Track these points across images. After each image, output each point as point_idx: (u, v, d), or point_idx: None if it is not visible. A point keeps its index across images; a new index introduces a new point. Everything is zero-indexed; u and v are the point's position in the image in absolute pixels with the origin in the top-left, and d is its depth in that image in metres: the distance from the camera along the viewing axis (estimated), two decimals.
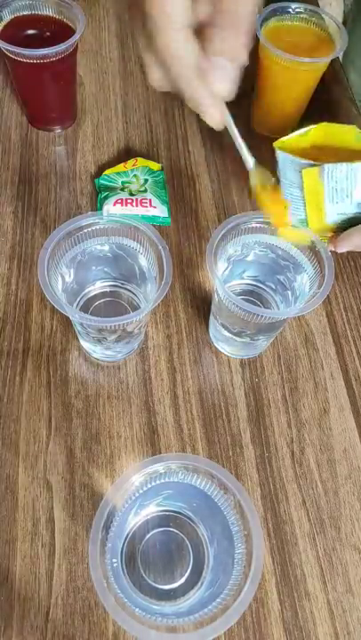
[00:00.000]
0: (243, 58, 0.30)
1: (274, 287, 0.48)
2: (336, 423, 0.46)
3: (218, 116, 0.30)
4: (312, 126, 0.49)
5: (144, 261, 0.43)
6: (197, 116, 0.65)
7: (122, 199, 0.54)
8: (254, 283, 0.49)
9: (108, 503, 0.32)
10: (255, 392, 0.47)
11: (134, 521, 0.39)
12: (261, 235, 0.43)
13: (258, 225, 0.43)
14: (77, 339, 0.48)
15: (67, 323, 0.49)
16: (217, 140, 0.63)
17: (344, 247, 0.46)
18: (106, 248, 0.44)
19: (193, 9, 0.28)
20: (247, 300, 0.46)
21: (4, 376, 0.46)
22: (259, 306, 0.47)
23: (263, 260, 0.45)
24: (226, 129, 0.36)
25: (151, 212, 0.54)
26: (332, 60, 0.56)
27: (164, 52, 0.28)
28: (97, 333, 0.42)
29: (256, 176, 0.39)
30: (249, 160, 0.39)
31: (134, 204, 0.54)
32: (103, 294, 0.48)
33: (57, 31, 0.54)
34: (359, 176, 0.44)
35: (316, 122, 0.51)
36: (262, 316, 0.40)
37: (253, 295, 0.49)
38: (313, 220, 0.48)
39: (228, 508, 0.34)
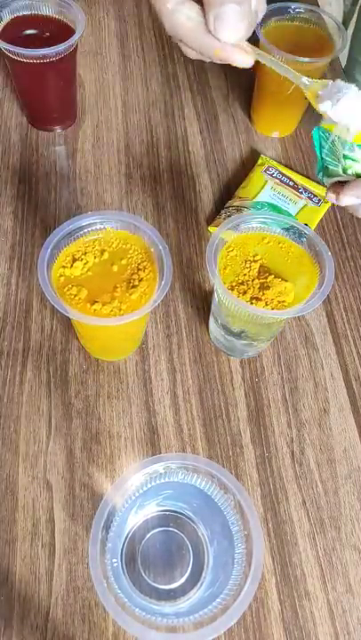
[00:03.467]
0: None
1: None
2: (336, 423, 0.46)
3: (244, 58, 0.31)
4: None
5: None
6: (198, 116, 0.65)
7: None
8: None
9: (107, 503, 0.32)
10: (255, 392, 0.47)
11: (134, 521, 0.39)
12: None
13: (258, 225, 0.43)
14: (77, 339, 0.48)
15: (67, 323, 0.49)
16: (217, 140, 0.63)
17: (347, 199, 0.38)
18: None
19: None
20: None
21: (4, 376, 0.46)
22: None
23: None
24: None
25: None
26: (332, 60, 0.56)
27: (173, 28, 0.29)
28: None
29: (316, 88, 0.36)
30: (303, 79, 0.36)
31: None
32: None
33: (57, 31, 0.54)
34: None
35: (316, 122, 0.51)
36: (262, 315, 0.40)
37: None
38: None
39: (228, 507, 0.34)
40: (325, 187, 0.39)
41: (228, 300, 0.40)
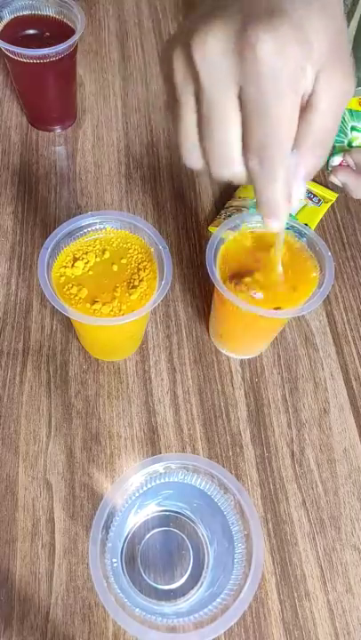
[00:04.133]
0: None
1: None
2: (336, 423, 0.46)
3: (284, 223, 0.30)
4: None
5: None
6: None
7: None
8: None
9: (107, 503, 0.32)
10: (255, 392, 0.47)
11: (134, 521, 0.39)
12: None
13: (258, 225, 0.43)
14: (77, 339, 0.48)
15: (67, 323, 0.49)
16: None
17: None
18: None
19: None
20: None
21: (4, 376, 0.46)
22: None
23: None
24: None
25: None
26: None
27: (271, 165, 0.27)
28: None
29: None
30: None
31: None
32: None
33: (57, 31, 0.54)
34: None
35: None
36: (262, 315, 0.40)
37: None
38: None
39: (229, 508, 0.34)
40: (328, 172, 0.41)
41: (227, 299, 0.40)
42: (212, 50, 0.25)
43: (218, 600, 0.32)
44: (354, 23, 0.81)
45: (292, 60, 0.24)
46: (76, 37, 0.53)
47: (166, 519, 0.40)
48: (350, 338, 0.51)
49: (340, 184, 0.41)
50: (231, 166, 0.28)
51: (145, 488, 0.36)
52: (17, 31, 0.55)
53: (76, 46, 0.55)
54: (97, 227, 0.42)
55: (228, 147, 0.27)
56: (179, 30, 0.28)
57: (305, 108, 0.26)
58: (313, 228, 0.56)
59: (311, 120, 0.26)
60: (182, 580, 0.38)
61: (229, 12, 0.25)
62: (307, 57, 0.25)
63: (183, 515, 0.40)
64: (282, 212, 0.29)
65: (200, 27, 0.25)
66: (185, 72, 0.27)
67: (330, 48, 0.25)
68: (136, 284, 0.40)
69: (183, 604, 0.37)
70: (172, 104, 0.29)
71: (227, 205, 0.56)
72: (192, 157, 0.30)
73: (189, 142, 0.29)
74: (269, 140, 0.26)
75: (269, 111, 0.25)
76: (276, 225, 0.30)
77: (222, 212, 0.56)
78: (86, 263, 0.41)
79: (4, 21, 0.55)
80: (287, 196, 0.28)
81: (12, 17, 0.55)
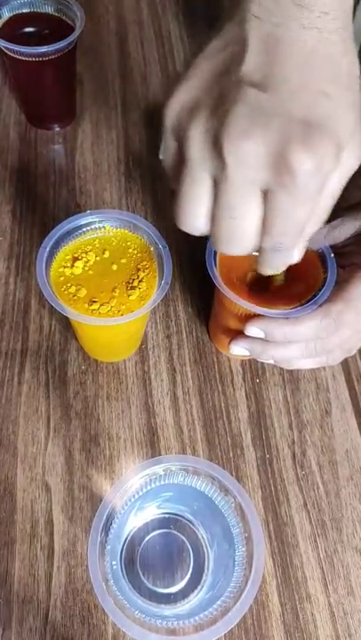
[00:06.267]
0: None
1: None
2: (338, 424, 0.46)
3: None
4: None
5: None
6: None
7: None
8: None
9: (107, 505, 0.31)
10: (256, 393, 0.47)
11: (134, 523, 0.39)
12: None
13: None
14: (76, 339, 0.48)
15: (65, 323, 0.49)
16: None
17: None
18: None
19: None
20: None
21: (2, 377, 0.46)
22: None
23: None
24: None
25: None
26: None
27: (286, 248, 0.27)
28: None
29: None
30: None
31: None
32: None
33: (56, 29, 0.54)
34: None
35: None
36: (263, 315, 0.40)
37: None
38: None
39: (229, 510, 0.34)
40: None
41: (227, 299, 0.40)
42: (248, 155, 0.24)
43: (218, 602, 0.32)
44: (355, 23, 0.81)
45: (325, 170, 0.24)
46: (75, 35, 0.52)
47: (166, 521, 0.40)
48: None
49: (245, 352, 0.41)
50: (242, 249, 0.28)
51: (145, 490, 0.35)
52: (16, 29, 0.54)
53: (76, 44, 0.55)
54: (96, 225, 0.41)
55: (246, 235, 0.27)
56: (202, 98, 0.26)
57: None
58: None
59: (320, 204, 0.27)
60: (182, 583, 0.38)
61: (268, 114, 0.24)
62: (338, 157, 0.25)
63: (183, 517, 0.40)
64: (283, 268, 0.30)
65: (237, 126, 0.24)
66: (204, 152, 0.26)
67: (354, 127, 0.25)
68: (135, 283, 0.40)
69: (183, 606, 0.37)
70: (176, 162, 0.28)
71: None
72: (196, 225, 0.29)
73: (198, 212, 0.28)
74: (289, 234, 0.26)
75: (296, 212, 0.25)
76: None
77: None
78: (86, 262, 0.40)
79: (3, 19, 0.55)
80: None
81: (11, 15, 0.55)
